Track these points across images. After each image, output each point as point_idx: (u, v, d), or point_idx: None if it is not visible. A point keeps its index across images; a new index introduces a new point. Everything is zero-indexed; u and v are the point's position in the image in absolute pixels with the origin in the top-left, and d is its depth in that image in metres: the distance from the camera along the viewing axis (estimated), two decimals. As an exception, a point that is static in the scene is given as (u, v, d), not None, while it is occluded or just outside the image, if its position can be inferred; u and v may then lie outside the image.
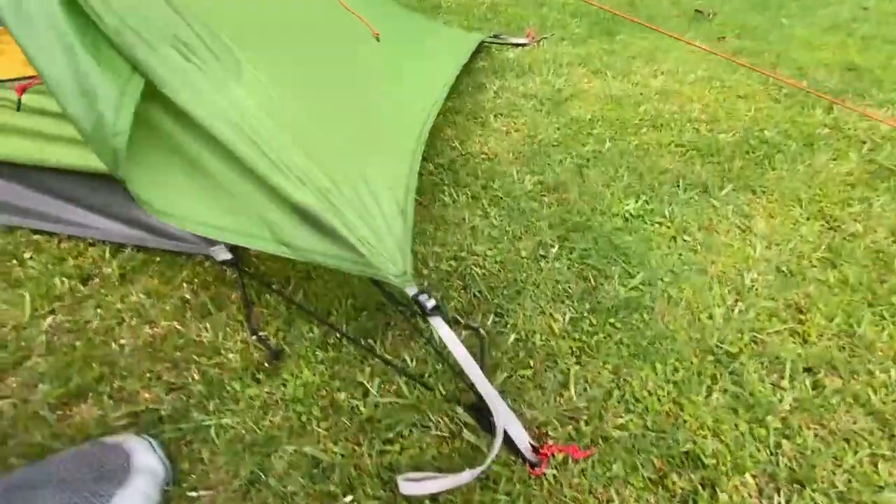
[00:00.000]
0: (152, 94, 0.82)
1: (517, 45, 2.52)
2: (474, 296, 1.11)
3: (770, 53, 2.43)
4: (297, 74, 1.12)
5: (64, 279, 1.16)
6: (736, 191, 1.45)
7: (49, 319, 1.07)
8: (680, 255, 1.22)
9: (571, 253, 1.22)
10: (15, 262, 1.21)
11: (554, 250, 1.23)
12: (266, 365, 0.97)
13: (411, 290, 0.85)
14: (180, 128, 0.84)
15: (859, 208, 1.37)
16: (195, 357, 0.99)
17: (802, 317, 1.06)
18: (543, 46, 2.53)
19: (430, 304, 0.84)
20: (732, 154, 1.61)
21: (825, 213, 1.36)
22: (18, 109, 1.23)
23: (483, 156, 1.63)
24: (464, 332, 1.01)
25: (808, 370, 0.96)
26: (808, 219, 1.35)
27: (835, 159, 1.60)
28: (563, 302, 1.09)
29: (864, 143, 1.69)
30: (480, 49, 2.35)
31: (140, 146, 0.82)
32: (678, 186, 1.47)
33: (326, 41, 1.38)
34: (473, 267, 1.18)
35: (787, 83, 2.05)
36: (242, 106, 0.86)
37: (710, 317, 1.06)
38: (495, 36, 2.54)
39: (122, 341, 1.03)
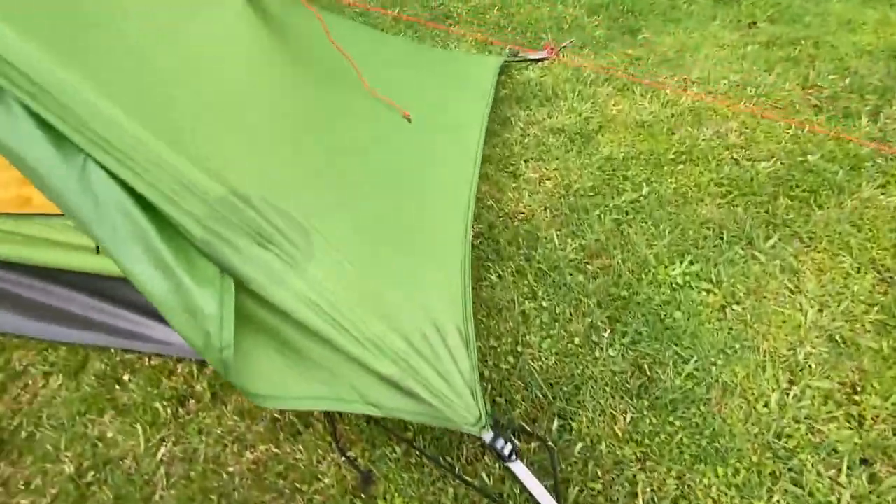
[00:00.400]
0: (241, 286, 0.90)
1: (537, 60, 2.46)
2: (536, 396, 1.19)
3: (807, 42, 2.30)
4: (355, 208, 1.18)
5: (164, 403, 1.29)
6: (782, 241, 1.45)
7: (162, 450, 1.21)
8: (730, 329, 1.26)
9: (623, 337, 1.27)
10: (118, 386, 1.35)
11: (606, 335, 1.28)
12: (362, 494, 1.08)
13: (487, 437, 0.93)
14: (270, 314, 0.92)
15: (912, 254, 1.36)
16: (297, 485, 1.11)
17: (857, 397, 1.10)
18: (564, 58, 2.46)
19: (507, 449, 0.92)
20: (775, 192, 1.59)
21: (876, 262, 1.36)
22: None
23: (521, 216, 1.66)
24: (533, 444, 1.10)
25: (864, 461, 1.01)
26: (859, 270, 1.35)
27: (884, 188, 1.56)
28: (621, 398, 1.16)
29: (915, 160, 1.64)
30: (501, 70, 2.31)
31: (238, 337, 0.91)
32: (722, 239, 1.48)
33: (367, 146, 1.41)
34: (530, 362, 1.25)
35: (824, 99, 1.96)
36: (320, 285, 0.93)
37: (766, 405, 1.11)
38: (514, 55, 2.47)
39: (230, 469, 1.16)
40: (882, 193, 1.55)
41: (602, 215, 1.61)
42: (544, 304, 1.38)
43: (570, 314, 1.35)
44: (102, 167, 0.83)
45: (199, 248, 0.87)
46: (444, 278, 1.17)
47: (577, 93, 2.19)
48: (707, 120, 1.94)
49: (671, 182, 1.69)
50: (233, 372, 0.86)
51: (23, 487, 1.19)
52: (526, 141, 1.98)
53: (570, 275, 1.44)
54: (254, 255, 0.91)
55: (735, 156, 1.76)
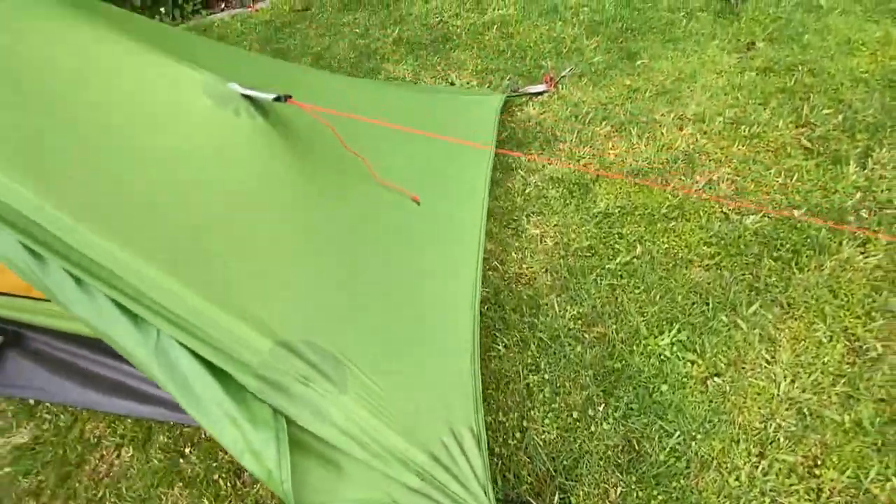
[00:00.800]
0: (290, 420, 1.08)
1: (537, 94, 2.52)
2: (539, 470, 1.38)
3: (803, 69, 2.33)
4: (376, 310, 1.34)
5: (223, 476, 1.51)
6: (763, 307, 1.58)
7: (228, 524, 1.44)
8: (710, 402, 1.42)
9: (616, 411, 1.44)
10: (181, 459, 1.57)
11: (601, 409, 1.45)
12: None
13: (496, 535, 1.13)
14: (314, 439, 1.11)
15: (882, 322, 1.49)
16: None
17: (817, 470, 1.27)
18: (563, 90, 2.51)
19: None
20: (760, 252, 1.71)
21: (848, 331, 1.49)
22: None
23: (524, 279, 1.80)
24: (537, 518, 1.30)
25: (819, 532, 1.20)
26: (831, 339, 1.49)
27: (863, 246, 1.67)
28: (613, 472, 1.34)
29: None
30: (502, 107, 2.37)
31: (292, 461, 1.10)
32: (707, 305, 1.62)
33: (380, 239, 1.54)
34: (535, 437, 1.43)
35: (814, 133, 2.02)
36: (353, 413, 1.11)
37: (738, 478, 1.28)
38: (514, 90, 2.53)
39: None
40: (861, 253, 1.66)
41: (598, 279, 1.75)
42: (546, 376, 1.55)
43: (570, 387, 1.52)
44: (172, 337, 1.01)
45: (256, 397, 1.05)
46: (457, 371, 1.34)
47: (575, 134, 2.27)
48: (700, 166, 2.03)
49: (663, 242, 1.81)
50: (293, 497, 1.05)
51: (114, 556, 1.44)
52: (527, 191, 2.09)
53: (569, 345, 1.60)
54: (298, 394, 1.09)
55: (725, 209, 1.86)
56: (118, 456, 1.61)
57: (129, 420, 1.66)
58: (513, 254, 1.89)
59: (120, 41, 1.35)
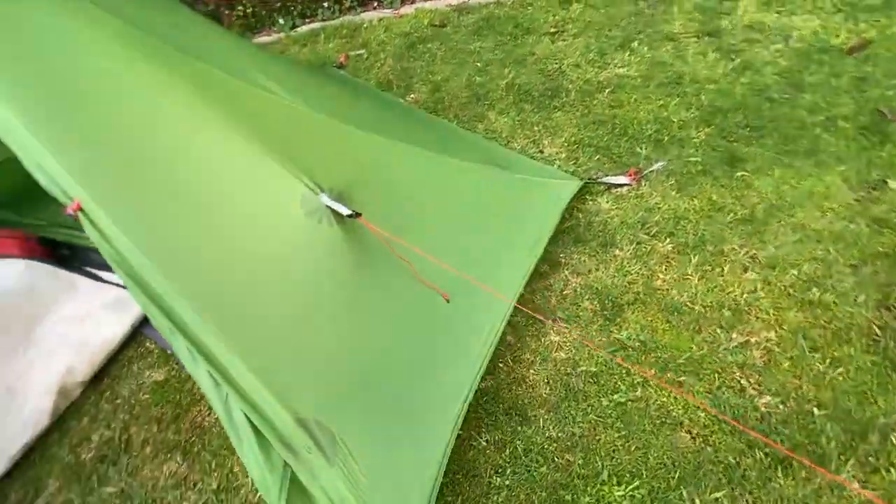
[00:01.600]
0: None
1: (617, 186, 2.53)
2: (470, 559, 1.71)
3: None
4: (377, 391, 1.74)
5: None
6: (727, 499, 1.64)
7: None
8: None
9: (548, 539, 1.69)
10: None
11: (538, 532, 1.71)
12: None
13: None
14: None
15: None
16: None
17: None
18: (645, 187, 2.50)
19: None
20: (754, 442, 1.72)
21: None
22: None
23: (526, 384, 2.03)
24: None
25: None
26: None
27: (865, 482, 1.59)
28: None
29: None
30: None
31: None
32: (674, 476, 1.71)
33: (400, 325, 1.90)
34: (477, 531, 1.76)
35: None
36: (334, 482, 1.52)
37: None
38: (591, 178, 2.57)
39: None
40: (861, 486, 1.59)
41: (588, 409, 1.91)
42: (507, 482, 1.82)
43: (523, 499, 1.78)
44: (236, 401, 1.51)
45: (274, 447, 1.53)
46: (427, 461, 1.70)
47: (634, 245, 2.30)
48: (743, 324, 1.98)
49: (664, 396, 1.88)
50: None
51: None
52: (564, 293, 2.24)
53: (537, 462, 1.84)
54: (303, 459, 1.53)
55: (742, 382, 1.85)
56: (210, 414, 2.29)
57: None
58: (527, 355, 2.11)
59: (226, 130, 1.77)
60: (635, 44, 3.27)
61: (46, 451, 2.13)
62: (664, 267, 2.21)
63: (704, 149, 2.58)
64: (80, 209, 1.52)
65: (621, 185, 2.53)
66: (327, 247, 1.78)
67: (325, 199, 1.73)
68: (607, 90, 3.01)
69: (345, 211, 1.71)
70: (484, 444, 1.92)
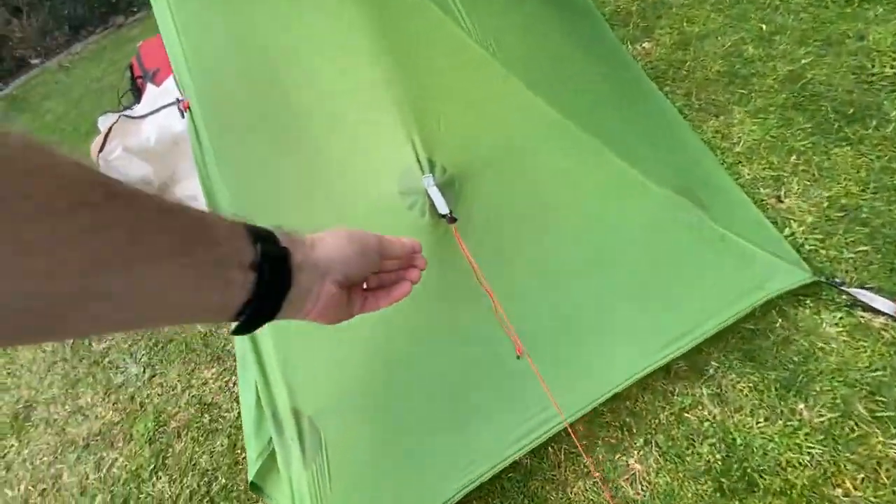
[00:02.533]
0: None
1: (869, 308, 1.59)
2: None
3: None
4: (386, 416, 1.52)
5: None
6: None
7: None
8: None
9: None
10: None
11: None
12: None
13: None
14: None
15: None
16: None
17: None
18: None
19: None
20: None
21: None
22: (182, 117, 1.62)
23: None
24: None
25: None
26: None
27: None
28: None
29: None
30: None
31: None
32: None
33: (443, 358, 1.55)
34: None
35: None
36: (300, 484, 1.41)
37: None
38: (835, 281, 1.63)
39: None
40: None
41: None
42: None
43: None
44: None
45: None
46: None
47: (834, 414, 1.48)
48: None
49: None
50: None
51: None
52: (683, 417, 1.60)
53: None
54: (285, 444, 1.45)
55: None
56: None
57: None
58: (579, 483, 1.61)
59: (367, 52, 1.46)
60: None
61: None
62: (856, 472, 1.38)
63: None
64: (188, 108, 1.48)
65: (881, 314, 1.57)
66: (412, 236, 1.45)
67: (429, 184, 1.36)
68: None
69: (442, 208, 1.34)
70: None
